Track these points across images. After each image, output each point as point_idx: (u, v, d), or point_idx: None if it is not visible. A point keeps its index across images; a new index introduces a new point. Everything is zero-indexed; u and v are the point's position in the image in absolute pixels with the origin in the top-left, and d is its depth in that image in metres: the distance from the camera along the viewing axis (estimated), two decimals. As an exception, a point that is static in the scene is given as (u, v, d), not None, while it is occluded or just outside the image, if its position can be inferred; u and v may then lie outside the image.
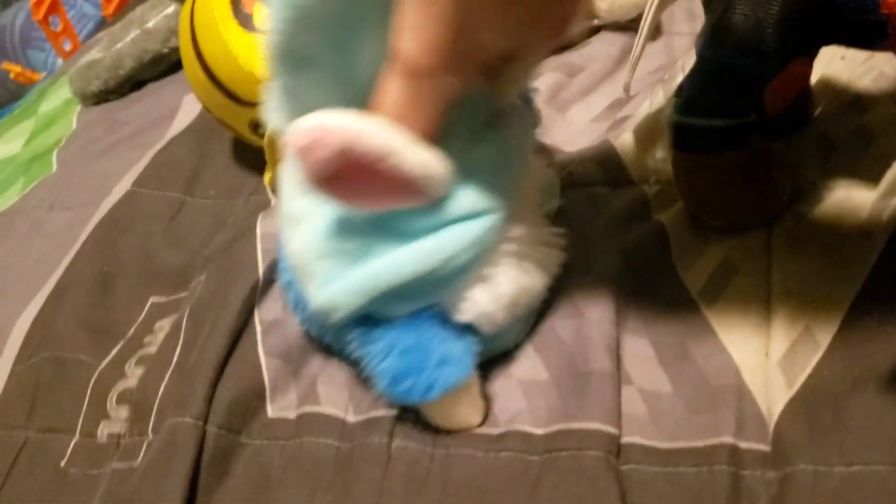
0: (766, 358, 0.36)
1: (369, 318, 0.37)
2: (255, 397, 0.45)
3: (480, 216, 0.36)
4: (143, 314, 0.56)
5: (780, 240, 0.41)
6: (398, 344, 0.37)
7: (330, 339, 0.43)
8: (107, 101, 0.89)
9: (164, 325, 0.54)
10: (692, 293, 0.40)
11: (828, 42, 0.39)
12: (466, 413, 0.39)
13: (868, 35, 0.36)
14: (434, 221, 0.35)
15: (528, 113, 0.41)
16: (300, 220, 0.38)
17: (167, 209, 0.64)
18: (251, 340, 0.48)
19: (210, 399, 0.44)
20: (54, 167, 0.80)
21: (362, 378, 0.40)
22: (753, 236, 0.41)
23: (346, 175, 0.32)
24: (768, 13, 0.37)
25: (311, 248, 0.37)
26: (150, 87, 0.87)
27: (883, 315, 0.35)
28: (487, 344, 0.40)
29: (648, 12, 0.47)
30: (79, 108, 0.91)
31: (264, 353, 0.47)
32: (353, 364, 0.42)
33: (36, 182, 0.78)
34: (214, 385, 0.45)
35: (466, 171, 0.35)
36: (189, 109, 0.75)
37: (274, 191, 0.60)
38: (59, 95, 0.98)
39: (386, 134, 0.31)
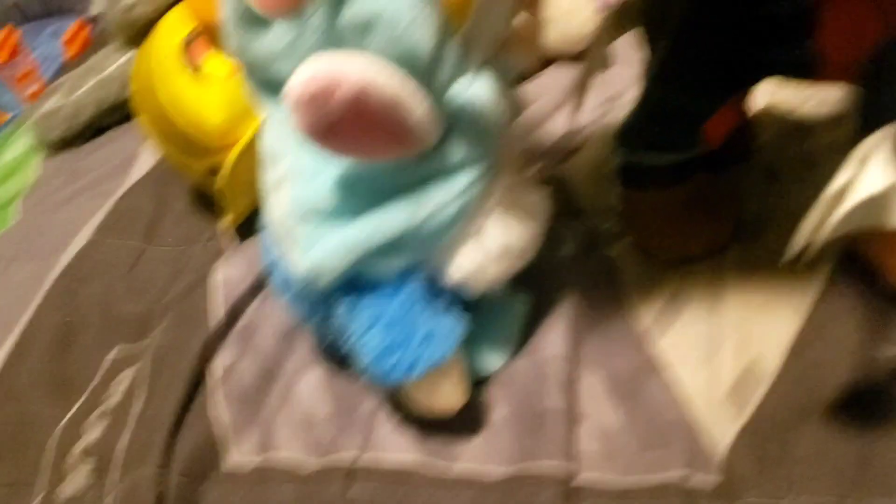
0: (715, 390, 0.37)
1: (356, 287, 0.36)
2: (215, 444, 0.44)
3: (466, 167, 0.34)
4: (105, 365, 0.55)
5: (729, 271, 0.41)
6: (384, 315, 0.35)
7: (316, 317, 0.41)
8: (69, 147, 0.89)
9: (125, 376, 0.53)
10: (643, 327, 0.41)
11: (765, 77, 0.40)
12: (449, 394, 0.38)
13: (802, 70, 0.37)
14: (420, 174, 0.34)
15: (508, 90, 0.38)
16: (280, 186, 0.37)
17: (127, 258, 0.64)
18: (210, 387, 0.48)
19: (171, 448, 0.44)
20: (16, 218, 0.80)
21: (318, 419, 0.40)
22: (702, 268, 0.42)
23: (346, 124, 0.30)
24: (706, 53, 0.37)
25: (293, 211, 0.36)
26: (111, 133, 0.87)
27: (828, 344, 0.36)
28: (476, 332, 0.38)
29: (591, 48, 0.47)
30: (41, 155, 0.90)
31: (223, 398, 0.46)
32: (337, 353, 0.41)
33: (-1, 234, 0.78)
34: (175, 434, 0.45)
35: (450, 122, 0.34)
36: (148, 156, 0.75)
37: (229, 236, 0.60)
38: (22, 143, 0.97)
39: (397, 81, 0.29)
